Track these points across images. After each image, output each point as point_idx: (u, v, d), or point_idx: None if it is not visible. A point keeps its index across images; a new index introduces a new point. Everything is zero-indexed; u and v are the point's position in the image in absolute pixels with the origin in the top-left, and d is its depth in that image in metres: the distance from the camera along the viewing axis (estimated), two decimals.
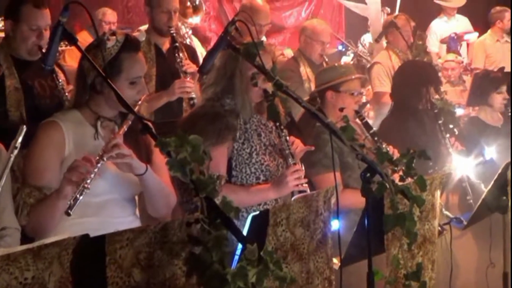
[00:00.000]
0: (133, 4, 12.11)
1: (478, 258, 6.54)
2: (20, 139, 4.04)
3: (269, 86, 4.80)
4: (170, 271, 3.39)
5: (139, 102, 4.51)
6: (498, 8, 12.43)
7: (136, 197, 4.83)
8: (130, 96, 4.42)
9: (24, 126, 4.12)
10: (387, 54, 9.51)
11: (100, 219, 4.34)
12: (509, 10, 12.37)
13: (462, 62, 11.30)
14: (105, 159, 4.23)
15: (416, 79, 7.10)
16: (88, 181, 4.12)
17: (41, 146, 4.48)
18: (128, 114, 4.30)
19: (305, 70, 8.26)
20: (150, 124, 3.75)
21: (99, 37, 4.60)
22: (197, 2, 7.54)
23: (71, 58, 9.51)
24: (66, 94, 5.75)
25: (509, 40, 12.46)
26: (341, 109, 5.71)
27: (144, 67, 4.63)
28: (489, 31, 12.48)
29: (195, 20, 8.14)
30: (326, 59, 8.62)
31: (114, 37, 4.53)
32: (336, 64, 7.30)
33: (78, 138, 4.49)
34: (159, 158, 4.44)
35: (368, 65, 10.88)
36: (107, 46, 4.48)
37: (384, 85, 9.00)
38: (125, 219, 4.48)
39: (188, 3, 7.83)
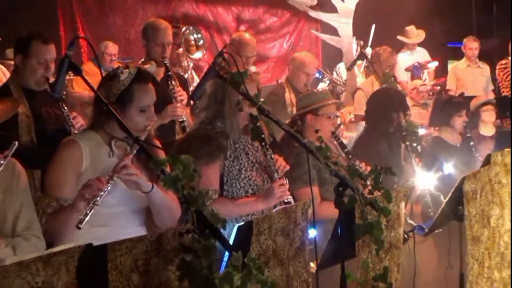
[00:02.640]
0: (133, 37, 12.13)
1: (438, 261, 6.58)
2: (11, 153, 4.10)
3: (254, 111, 4.79)
4: (165, 276, 3.38)
5: (148, 127, 4.57)
6: (469, 37, 12.74)
7: None
8: (140, 122, 4.49)
9: (16, 142, 4.16)
10: (371, 81, 9.53)
11: (110, 229, 4.34)
12: (472, 40, 12.66)
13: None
14: (114, 178, 4.27)
15: (387, 105, 7.15)
16: (98, 198, 4.15)
17: (60, 162, 4.49)
18: (138, 138, 4.30)
19: (289, 96, 8.22)
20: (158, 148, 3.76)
21: (114, 69, 4.64)
22: (200, 43, 7.57)
23: (78, 85, 9.52)
24: (71, 120, 5.78)
25: (482, 66, 12.78)
26: (317, 131, 5.66)
27: (154, 96, 4.63)
28: (464, 57, 12.75)
29: (197, 55, 8.12)
30: (310, 88, 8.64)
31: (127, 70, 4.56)
32: (315, 90, 7.34)
33: (94, 155, 4.51)
34: None
35: (342, 90, 10.97)
36: (120, 78, 4.51)
37: (363, 109, 8.99)
38: (132, 229, 4.47)
39: (193, 42, 7.83)
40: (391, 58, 9.77)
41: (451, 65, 13.04)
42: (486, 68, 12.83)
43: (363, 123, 8.56)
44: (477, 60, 12.76)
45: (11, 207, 4.27)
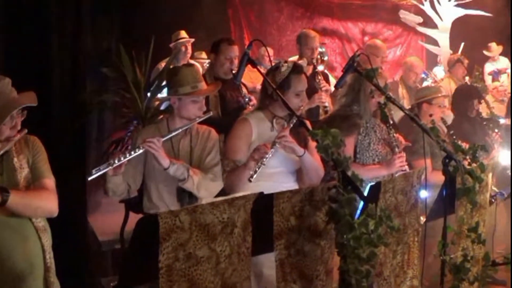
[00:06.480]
0: (284, 44, 12.08)
1: (508, 219, 6.41)
2: (205, 117, 4.49)
3: (381, 99, 4.74)
4: (314, 219, 3.36)
5: (302, 107, 4.52)
6: None
7: None
8: (295, 103, 4.42)
9: (211, 112, 4.63)
10: (448, 81, 9.33)
11: (271, 183, 4.30)
12: None
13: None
14: (276, 145, 4.25)
15: (465, 96, 6.98)
16: (264, 159, 4.16)
17: (236, 134, 4.53)
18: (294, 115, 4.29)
19: (402, 91, 8.10)
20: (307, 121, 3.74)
21: (276, 63, 4.63)
22: (324, 58, 7.34)
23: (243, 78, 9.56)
24: (247, 100, 5.84)
25: None
26: (430, 115, 5.67)
27: (305, 84, 4.58)
28: None
29: (320, 67, 7.86)
30: (418, 85, 8.51)
31: (286, 64, 4.55)
32: (430, 85, 7.28)
33: (260, 130, 4.50)
34: (313, 144, 4.41)
35: None
36: (281, 70, 4.50)
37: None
38: (287, 184, 4.43)
39: (319, 56, 7.63)
40: (464, 63, 9.58)
41: None
42: None
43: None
44: None
45: (205, 154, 4.45)
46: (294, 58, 7.18)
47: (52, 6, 5.54)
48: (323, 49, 8.49)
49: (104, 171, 4.04)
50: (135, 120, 6.30)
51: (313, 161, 4.48)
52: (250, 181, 4.09)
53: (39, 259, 3.62)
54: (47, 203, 3.58)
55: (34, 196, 3.54)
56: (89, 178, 3.98)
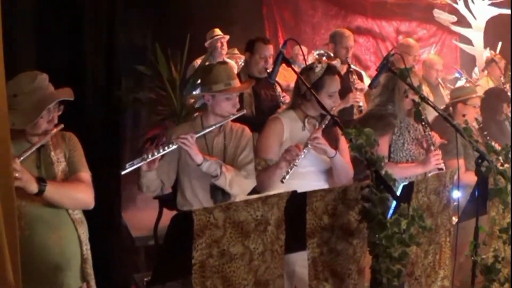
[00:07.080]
0: (318, 43, 11.99)
1: None
2: (239, 114, 4.50)
3: (416, 98, 4.70)
4: (347, 218, 3.34)
5: (334, 108, 4.51)
6: None
7: None
8: (328, 103, 4.39)
9: (245, 110, 4.66)
10: (486, 80, 9.30)
11: (303, 182, 4.29)
12: None
13: None
14: (308, 146, 4.26)
15: (493, 100, 6.86)
16: (297, 160, 4.17)
17: (268, 133, 4.53)
18: (326, 116, 4.28)
19: (426, 89, 8.09)
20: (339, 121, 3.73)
21: (311, 64, 4.64)
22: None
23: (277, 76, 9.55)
24: (282, 98, 5.86)
25: None
26: (464, 115, 5.64)
27: (338, 85, 4.58)
28: None
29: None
30: (440, 81, 8.49)
31: (320, 64, 4.56)
32: (465, 86, 7.25)
33: (292, 129, 4.51)
34: (343, 144, 4.43)
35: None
36: (315, 70, 4.50)
37: None
38: (318, 183, 4.44)
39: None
40: (501, 63, 9.60)
41: None
42: None
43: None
44: None
45: (239, 152, 4.48)
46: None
47: (87, 3, 5.57)
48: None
49: (138, 165, 4.10)
50: (170, 117, 6.35)
51: (344, 162, 4.50)
52: (282, 182, 4.11)
53: (76, 251, 3.67)
54: (84, 195, 3.62)
55: (70, 187, 3.58)
56: (123, 172, 4.03)
